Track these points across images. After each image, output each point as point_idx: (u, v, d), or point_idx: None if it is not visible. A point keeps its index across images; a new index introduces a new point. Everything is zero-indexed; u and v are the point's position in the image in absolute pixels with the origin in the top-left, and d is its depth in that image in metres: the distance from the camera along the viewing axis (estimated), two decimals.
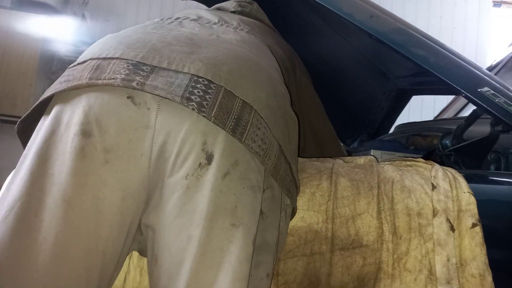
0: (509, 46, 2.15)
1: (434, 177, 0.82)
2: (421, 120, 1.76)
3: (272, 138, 0.65)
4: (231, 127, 0.60)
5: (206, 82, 0.62)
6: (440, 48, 0.94)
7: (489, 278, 0.74)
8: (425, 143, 1.33)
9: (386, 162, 0.92)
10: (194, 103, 0.60)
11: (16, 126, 0.71)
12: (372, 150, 1.26)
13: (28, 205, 0.58)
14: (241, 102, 0.63)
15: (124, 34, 0.72)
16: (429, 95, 2.85)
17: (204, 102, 0.60)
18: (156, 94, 0.60)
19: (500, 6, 5.09)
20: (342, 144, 1.30)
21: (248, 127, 0.62)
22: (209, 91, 0.61)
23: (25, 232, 0.57)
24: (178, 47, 0.66)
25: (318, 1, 0.94)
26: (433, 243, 0.75)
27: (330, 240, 0.76)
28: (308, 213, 0.77)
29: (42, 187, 0.59)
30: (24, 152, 0.64)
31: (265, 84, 0.69)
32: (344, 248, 0.76)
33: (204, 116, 0.60)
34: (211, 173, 0.60)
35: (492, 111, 0.91)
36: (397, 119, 1.81)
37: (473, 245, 0.75)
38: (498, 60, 1.95)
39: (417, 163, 0.88)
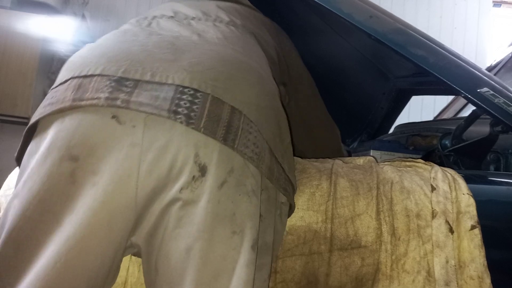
0: (509, 46, 2.14)
1: (433, 178, 0.82)
2: (421, 120, 1.76)
3: (264, 142, 0.64)
4: (222, 136, 0.59)
5: (192, 92, 0.60)
6: (439, 49, 0.94)
7: (487, 280, 0.74)
8: (425, 143, 1.33)
9: (386, 163, 0.92)
10: (181, 116, 0.58)
11: (15, 157, 0.69)
12: (371, 151, 1.25)
13: (23, 232, 0.57)
14: (230, 108, 0.61)
15: (104, 43, 0.69)
16: (429, 95, 2.85)
17: (192, 114, 0.59)
18: (142, 111, 0.58)
19: (500, 6, 5.08)
20: (342, 145, 1.30)
21: (239, 133, 0.61)
22: (196, 101, 0.59)
23: (20, 259, 0.57)
24: (161, 54, 0.64)
25: (318, 1, 0.94)
26: (432, 245, 0.75)
27: (329, 240, 0.76)
28: (307, 213, 0.77)
29: (34, 214, 0.58)
30: (17, 177, 0.63)
31: (254, 84, 0.67)
32: (342, 248, 0.76)
33: (193, 128, 0.58)
34: (207, 184, 0.59)
35: (492, 111, 0.91)
36: (397, 119, 1.81)
37: (472, 247, 0.75)
38: (498, 60, 1.95)
39: (417, 164, 0.88)
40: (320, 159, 0.92)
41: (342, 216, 0.77)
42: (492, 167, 1.05)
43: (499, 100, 0.90)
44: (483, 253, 0.75)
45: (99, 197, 0.58)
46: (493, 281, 0.74)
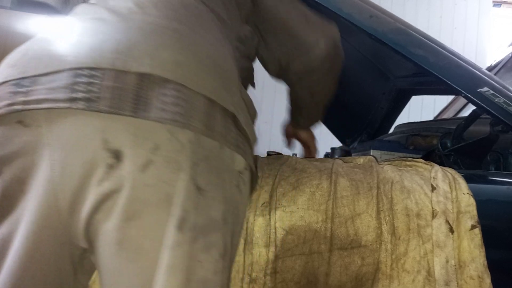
0: (509, 46, 2.15)
1: (433, 178, 0.82)
2: (421, 120, 1.76)
3: (193, 95, 0.57)
4: (131, 109, 0.53)
5: (87, 72, 0.54)
6: (439, 48, 0.94)
7: (487, 280, 0.74)
8: (425, 143, 1.33)
9: (386, 162, 0.92)
10: (80, 101, 0.53)
11: None
12: (371, 150, 1.25)
13: None
14: (135, 76, 0.55)
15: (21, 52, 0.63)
16: (429, 95, 2.85)
17: (92, 95, 0.53)
18: (41, 108, 0.54)
19: (500, 6, 5.09)
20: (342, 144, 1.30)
21: (152, 99, 0.55)
22: (94, 80, 0.54)
23: None
24: (64, 43, 0.59)
25: (318, 1, 0.94)
26: (432, 244, 0.75)
27: (329, 240, 0.76)
28: (307, 212, 0.77)
29: None
30: None
31: (170, 43, 0.60)
32: (342, 248, 0.76)
33: (96, 111, 0.53)
34: (125, 170, 0.53)
35: (492, 111, 0.91)
36: (397, 119, 1.81)
37: (472, 247, 0.75)
38: (498, 60, 1.95)
39: (417, 164, 0.88)
40: (320, 158, 0.92)
41: (342, 216, 0.77)
42: (492, 167, 1.05)
43: (499, 100, 0.90)
44: (483, 253, 0.75)
45: (27, 211, 0.55)
46: (493, 281, 0.74)
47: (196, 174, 0.56)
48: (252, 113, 0.71)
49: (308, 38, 0.89)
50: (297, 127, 1.11)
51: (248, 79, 0.86)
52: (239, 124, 0.63)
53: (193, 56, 0.61)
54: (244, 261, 0.74)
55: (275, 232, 0.75)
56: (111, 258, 0.55)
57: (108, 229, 0.55)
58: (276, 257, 0.75)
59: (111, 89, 0.54)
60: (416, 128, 1.52)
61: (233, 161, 0.63)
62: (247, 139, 0.65)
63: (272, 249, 0.75)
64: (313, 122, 1.10)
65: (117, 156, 0.54)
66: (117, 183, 0.54)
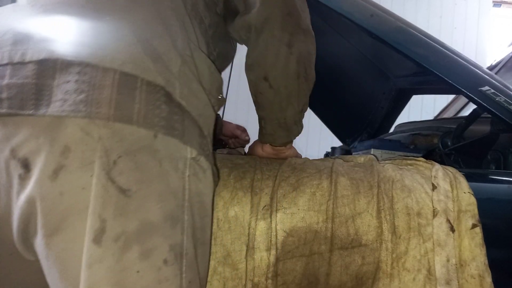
0: (509, 46, 2.15)
1: (434, 176, 0.81)
2: (421, 119, 1.76)
3: (100, 73, 0.49)
4: (31, 107, 0.47)
5: None
6: (440, 47, 0.94)
7: (488, 279, 0.74)
8: (425, 142, 1.33)
9: (386, 161, 0.91)
10: None
11: None
12: (372, 149, 1.25)
13: None
14: (34, 65, 0.48)
15: None
16: (429, 94, 2.85)
17: None
18: None
19: (500, 6, 5.09)
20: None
21: (53, 90, 0.47)
22: None
23: None
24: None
25: (319, 0, 0.94)
26: (433, 243, 0.75)
27: (329, 240, 0.75)
28: (308, 213, 0.76)
29: None
30: None
31: (79, 17, 0.53)
32: (343, 247, 0.75)
33: None
34: (34, 180, 0.47)
35: (493, 110, 0.91)
36: (397, 118, 1.81)
37: (472, 246, 0.75)
38: (498, 60, 1.95)
39: (418, 162, 0.88)
40: (320, 158, 0.91)
41: (343, 215, 0.77)
42: (492, 166, 1.05)
43: (500, 99, 0.90)
44: (484, 251, 0.75)
45: None
46: (494, 279, 0.74)
47: (115, 174, 0.49)
48: (211, 82, 0.62)
49: None
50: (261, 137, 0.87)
51: (220, 36, 0.75)
52: (173, 98, 0.53)
53: (103, 28, 0.52)
54: (246, 267, 0.74)
55: (276, 234, 0.75)
56: (47, 273, 0.51)
57: (38, 244, 0.50)
58: (277, 259, 0.74)
59: (7, 87, 0.47)
60: (416, 128, 1.52)
61: (177, 147, 0.54)
62: (188, 115, 0.56)
63: (273, 252, 0.74)
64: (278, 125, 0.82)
65: (25, 165, 0.47)
66: (29, 195, 0.48)
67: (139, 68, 0.51)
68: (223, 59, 0.80)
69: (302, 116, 0.80)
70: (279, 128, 0.80)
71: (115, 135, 0.49)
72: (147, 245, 0.50)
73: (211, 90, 0.63)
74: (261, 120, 0.81)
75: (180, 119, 0.54)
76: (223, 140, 1.13)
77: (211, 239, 0.63)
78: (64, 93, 0.47)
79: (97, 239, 0.47)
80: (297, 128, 0.81)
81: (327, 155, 1.58)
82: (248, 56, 0.74)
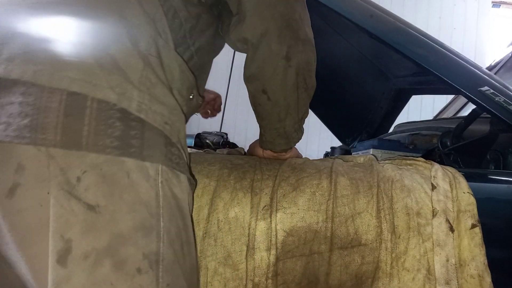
0: (508, 46, 2.15)
1: (434, 176, 0.82)
2: (420, 120, 1.77)
3: (45, 94, 0.45)
4: None
5: None
6: (440, 48, 0.95)
7: (488, 279, 0.74)
8: (425, 142, 1.33)
9: (386, 161, 0.92)
10: None
11: None
12: (371, 149, 1.25)
13: None
14: None
15: None
16: (429, 94, 2.86)
17: None
18: None
19: (499, 7, 5.10)
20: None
21: None
22: None
23: None
24: None
25: (320, 0, 0.94)
26: (432, 243, 0.75)
27: (329, 240, 0.76)
28: (308, 213, 0.77)
29: None
30: None
31: (26, 23, 0.49)
32: (343, 247, 0.76)
33: None
34: None
35: (492, 110, 0.91)
36: (397, 118, 1.81)
37: (472, 246, 0.75)
38: (497, 60, 1.96)
39: (417, 162, 0.88)
40: (320, 158, 0.91)
41: (343, 215, 0.77)
42: (492, 166, 1.05)
43: (500, 99, 0.90)
44: (483, 251, 0.75)
45: None
46: (494, 279, 0.74)
47: (80, 190, 0.47)
48: (182, 82, 0.59)
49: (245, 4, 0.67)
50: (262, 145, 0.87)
51: (202, 28, 0.71)
52: (129, 113, 0.50)
53: (51, 38, 0.48)
54: (247, 267, 0.74)
55: (276, 234, 0.75)
56: (24, 280, 0.50)
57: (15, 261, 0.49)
58: (277, 259, 0.74)
59: None
60: (416, 127, 1.52)
61: (135, 166, 0.51)
62: (149, 126, 0.53)
63: (273, 251, 0.74)
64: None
65: None
66: None
67: (89, 86, 0.48)
68: (207, 52, 0.75)
69: (303, 123, 0.80)
70: (278, 136, 0.80)
71: (69, 155, 0.47)
72: (119, 257, 0.49)
73: (181, 91, 0.61)
74: (260, 128, 0.81)
75: (138, 134, 0.51)
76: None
77: (194, 237, 0.62)
78: (7, 116, 0.45)
79: (62, 260, 0.46)
80: (297, 135, 0.81)
81: (326, 155, 1.58)
82: (246, 67, 0.72)
